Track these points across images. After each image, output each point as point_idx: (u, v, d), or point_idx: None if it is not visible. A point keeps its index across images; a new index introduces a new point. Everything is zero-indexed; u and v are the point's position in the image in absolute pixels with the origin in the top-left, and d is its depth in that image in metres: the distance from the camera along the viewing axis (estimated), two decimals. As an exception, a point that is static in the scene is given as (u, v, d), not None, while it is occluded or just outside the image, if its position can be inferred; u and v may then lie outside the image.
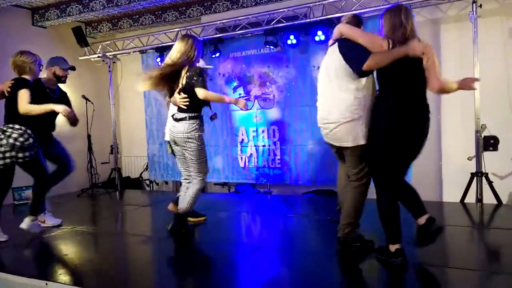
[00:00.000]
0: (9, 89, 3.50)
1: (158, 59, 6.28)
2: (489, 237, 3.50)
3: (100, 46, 6.72)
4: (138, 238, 3.80)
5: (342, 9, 4.96)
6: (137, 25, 6.87)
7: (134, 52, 6.61)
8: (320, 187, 5.66)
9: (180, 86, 3.43)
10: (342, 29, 2.78)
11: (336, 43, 2.83)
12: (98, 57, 6.68)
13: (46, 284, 2.64)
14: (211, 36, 5.83)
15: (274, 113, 5.81)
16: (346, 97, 2.71)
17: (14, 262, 3.21)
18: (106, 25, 7.15)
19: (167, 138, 3.80)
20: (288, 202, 5.35)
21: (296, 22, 5.28)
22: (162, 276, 2.91)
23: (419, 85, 2.58)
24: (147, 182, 7.28)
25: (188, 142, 3.45)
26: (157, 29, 6.58)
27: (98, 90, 6.94)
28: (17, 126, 3.42)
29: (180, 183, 3.89)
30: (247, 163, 6.00)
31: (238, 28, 5.68)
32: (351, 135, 2.72)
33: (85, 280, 2.71)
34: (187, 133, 3.43)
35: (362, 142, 2.71)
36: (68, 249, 3.48)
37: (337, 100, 2.75)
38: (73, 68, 4.26)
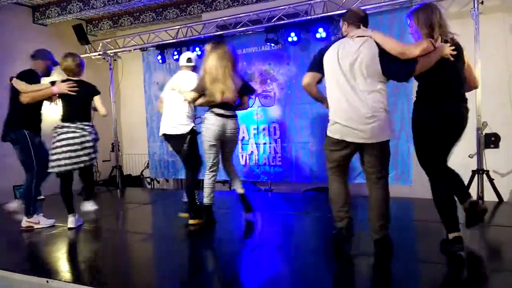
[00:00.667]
0: (75, 90, 3.83)
1: (159, 57, 6.28)
2: (490, 235, 3.49)
3: (100, 44, 6.71)
4: (139, 236, 3.81)
5: (343, 6, 4.94)
6: (138, 22, 6.88)
7: (135, 49, 6.61)
8: (321, 184, 5.65)
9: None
10: (381, 41, 2.68)
11: (355, 39, 2.74)
12: (99, 55, 6.68)
13: (47, 281, 2.65)
14: (212, 34, 5.82)
15: (275, 111, 5.81)
16: (377, 93, 2.68)
17: (16, 260, 3.22)
18: (107, 22, 7.15)
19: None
20: (289, 200, 5.35)
21: (297, 20, 5.27)
22: (163, 273, 2.91)
23: (452, 84, 2.74)
24: (148, 180, 7.29)
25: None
26: (158, 27, 6.58)
27: (99, 88, 6.92)
28: (91, 124, 3.89)
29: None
30: (247, 161, 6.00)
31: (239, 25, 5.67)
32: (387, 129, 2.73)
33: (86, 277, 2.71)
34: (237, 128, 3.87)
35: (392, 135, 2.79)
36: (69, 247, 3.49)
37: (369, 98, 2.66)
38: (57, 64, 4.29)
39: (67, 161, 3.71)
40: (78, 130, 3.76)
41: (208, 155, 3.77)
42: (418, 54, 2.61)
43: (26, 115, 3.87)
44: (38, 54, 4.09)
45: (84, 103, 3.91)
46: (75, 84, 3.86)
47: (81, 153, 3.75)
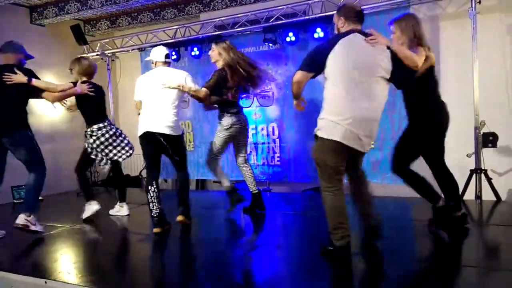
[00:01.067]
0: (92, 90, 4.07)
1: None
2: (488, 234, 3.50)
3: (98, 44, 6.71)
4: (137, 236, 3.81)
5: (341, 6, 4.94)
6: (136, 22, 6.87)
7: (132, 50, 6.60)
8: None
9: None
10: (401, 51, 2.68)
11: (365, 39, 2.63)
12: (97, 55, 6.67)
13: (45, 282, 2.64)
14: (210, 34, 5.82)
15: (273, 111, 5.81)
16: (383, 98, 2.65)
17: (14, 260, 3.21)
18: (105, 23, 7.14)
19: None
20: (288, 200, 5.35)
21: (295, 19, 5.28)
22: (161, 274, 2.92)
23: (437, 86, 3.24)
24: (147, 180, 7.27)
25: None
26: (156, 27, 6.58)
27: (97, 88, 6.93)
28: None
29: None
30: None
31: (237, 25, 5.67)
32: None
33: (84, 278, 2.71)
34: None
35: None
36: (67, 248, 3.48)
37: (378, 101, 2.62)
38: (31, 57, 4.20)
39: (120, 154, 4.22)
40: (112, 126, 4.19)
41: (222, 147, 4.03)
42: (410, 63, 2.71)
43: (26, 114, 3.71)
44: (6, 47, 3.76)
45: (103, 103, 4.25)
46: (91, 86, 4.09)
47: (123, 144, 4.23)
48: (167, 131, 3.61)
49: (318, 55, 2.64)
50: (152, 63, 3.83)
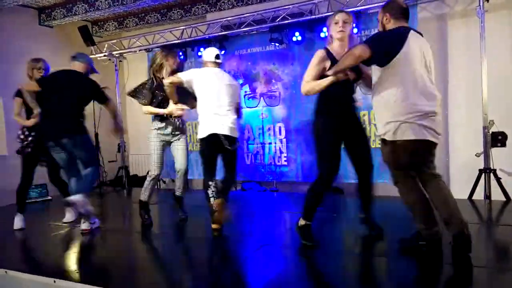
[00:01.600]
0: None
1: (164, 58, 6.30)
2: (497, 234, 3.47)
3: (106, 45, 6.76)
4: (145, 236, 3.82)
5: (348, 5, 4.93)
6: (143, 23, 6.91)
7: (140, 50, 6.64)
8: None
9: None
10: None
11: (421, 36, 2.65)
12: (105, 56, 6.73)
13: (54, 281, 2.66)
14: (216, 34, 5.84)
15: (280, 111, 5.81)
16: (437, 91, 2.62)
17: (23, 259, 3.25)
18: (112, 24, 7.19)
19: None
20: (295, 200, 5.34)
21: (301, 19, 5.27)
22: (169, 273, 2.93)
23: None
24: (154, 180, 7.30)
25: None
26: (163, 28, 6.61)
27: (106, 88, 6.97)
28: None
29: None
30: (253, 161, 6.01)
31: (243, 25, 5.68)
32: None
33: (93, 277, 2.73)
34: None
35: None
36: (76, 247, 3.51)
37: (437, 96, 2.58)
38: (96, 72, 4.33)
39: None
40: None
41: None
42: None
43: (84, 119, 3.78)
44: (80, 56, 3.90)
45: None
46: None
47: None
48: (230, 132, 3.52)
49: (394, 42, 2.52)
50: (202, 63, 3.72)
